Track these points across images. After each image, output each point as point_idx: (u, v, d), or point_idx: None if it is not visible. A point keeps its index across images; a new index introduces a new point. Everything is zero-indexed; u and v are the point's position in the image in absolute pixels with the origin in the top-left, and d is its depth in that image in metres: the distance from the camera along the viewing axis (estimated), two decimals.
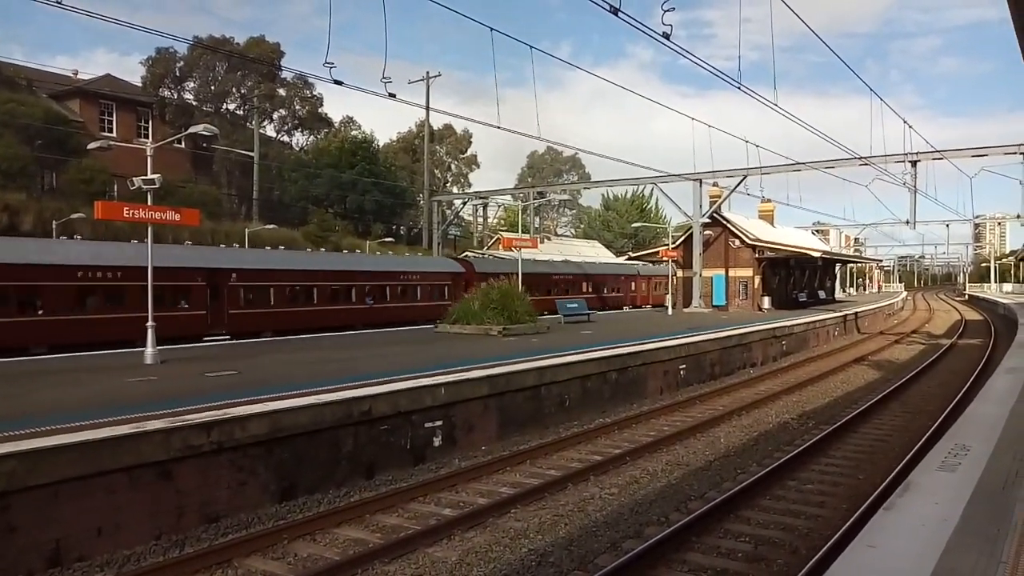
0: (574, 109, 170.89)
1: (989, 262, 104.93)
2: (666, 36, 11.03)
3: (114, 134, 44.80)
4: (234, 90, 56.35)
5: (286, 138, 63.40)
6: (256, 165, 52.14)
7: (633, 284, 49.73)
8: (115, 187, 38.77)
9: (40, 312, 19.87)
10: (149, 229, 15.44)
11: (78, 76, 50.21)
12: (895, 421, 14.49)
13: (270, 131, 60.61)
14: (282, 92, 58.27)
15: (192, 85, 55.39)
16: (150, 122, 49.26)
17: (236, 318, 24.48)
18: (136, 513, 7.83)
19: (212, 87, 55.57)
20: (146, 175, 14.68)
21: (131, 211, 15.09)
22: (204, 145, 46.41)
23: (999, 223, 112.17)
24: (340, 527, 8.49)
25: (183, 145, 46.38)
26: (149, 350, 14.96)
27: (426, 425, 11.34)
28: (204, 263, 24.38)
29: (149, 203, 15.13)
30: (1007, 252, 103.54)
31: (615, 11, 9.99)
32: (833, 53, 24.58)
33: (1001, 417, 8.89)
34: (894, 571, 4.18)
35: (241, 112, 57.87)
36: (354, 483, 10.08)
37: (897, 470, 9.82)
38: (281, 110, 59.98)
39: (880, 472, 10.37)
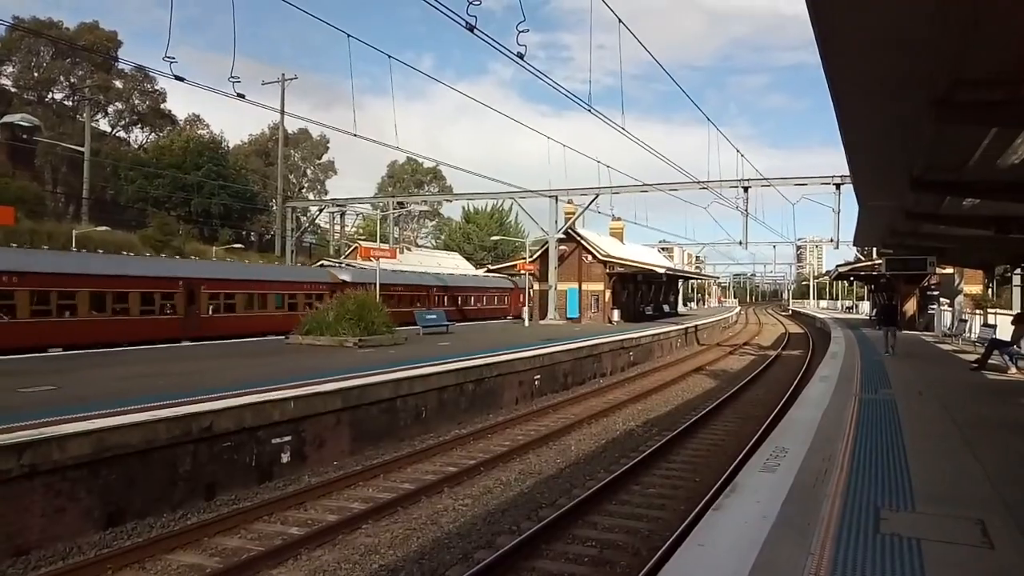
0: (437, 121, 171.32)
1: (809, 280, 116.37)
2: (520, 56, 11.31)
3: None
4: (62, 79, 51.45)
5: (123, 134, 58.68)
6: (87, 161, 47.69)
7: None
8: None
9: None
10: None
11: None
12: (728, 426, 15.63)
13: (104, 125, 55.90)
14: (119, 84, 53.96)
15: (11, 70, 49.98)
16: None
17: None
18: None
19: (35, 73, 50.43)
20: None
21: None
22: (24, 136, 41.89)
23: (817, 246, 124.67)
24: (174, 552, 7.90)
25: None
26: None
27: (273, 441, 10.85)
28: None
29: None
30: (824, 272, 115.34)
31: (471, 28, 10.13)
32: (675, 84, 26.36)
33: (815, 421, 9.86)
34: (719, 567, 4.50)
35: (70, 103, 52.97)
36: (192, 505, 9.44)
37: (727, 473, 10.59)
38: (118, 103, 55.52)
39: (713, 474, 11.14)
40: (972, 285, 32.09)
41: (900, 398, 12.24)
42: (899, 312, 25.56)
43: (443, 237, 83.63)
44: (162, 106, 58.14)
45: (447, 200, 69.92)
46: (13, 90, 49.30)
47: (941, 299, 33.02)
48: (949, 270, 31.90)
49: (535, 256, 41.30)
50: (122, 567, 7.44)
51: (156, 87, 55.55)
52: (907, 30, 5.68)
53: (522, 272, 40.22)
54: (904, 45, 6.05)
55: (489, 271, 51.07)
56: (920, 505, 6.03)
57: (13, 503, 7.60)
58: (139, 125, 59.03)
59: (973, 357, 18.33)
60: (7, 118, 14.61)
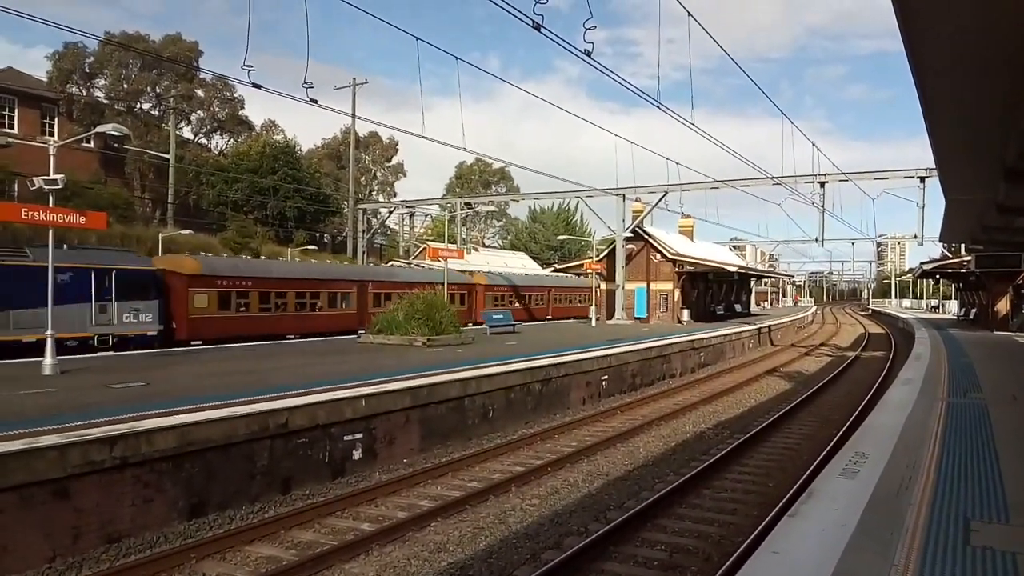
0: (504, 121, 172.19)
1: (891, 279, 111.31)
2: (587, 54, 11.19)
3: (16, 131, 42.13)
4: (149, 89, 54.11)
5: (204, 140, 61.24)
6: (172, 167, 50.04)
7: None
8: (15, 187, 36.43)
9: None
10: (51, 232, 14.58)
11: None
12: (804, 430, 15.12)
13: (187, 133, 58.45)
14: (200, 93, 56.34)
15: (103, 82, 52.84)
16: (56, 120, 46.61)
17: None
18: (27, 534, 7.34)
19: (125, 85, 53.17)
20: (49, 175, 13.89)
21: (30, 213, 14.22)
22: (115, 145, 44.18)
23: (899, 242, 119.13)
24: (252, 544, 8.19)
25: (92, 145, 44.17)
26: (48, 360, 14.09)
27: (346, 438, 11.11)
28: None
29: (51, 204, 14.31)
30: (907, 270, 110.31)
31: (537, 27, 10.10)
32: (747, 77, 25.68)
33: (897, 426, 9.41)
34: None
35: (156, 112, 55.61)
36: (269, 498, 9.76)
37: (803, 478, 10.24)
38: (199, 111, 57.95)
39: (788, 480, 10.79)
40: None
41: (992, 403, 11.57)
42: None
43: (510, 237, 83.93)
44: (240, 113, 60.40)
45: (514, 200, 70.00)
46: (105, 101, 52.10)
47: None
48: None
49: (602, 255, 40.95)
50: (204, 557, 7.76)
51: (234, 95, 57.74)
52: (1005, 8, 5.33)
53: (589, 272, 39.95)
54: (997, 26, 5.69)
55: (555, 271, 50.91)
56: (1015, 517, 5.67)
57: (106, 493, 8.03)
58: (219, 132, 61.48)
59: None
60: (99, 128, 15.46)
